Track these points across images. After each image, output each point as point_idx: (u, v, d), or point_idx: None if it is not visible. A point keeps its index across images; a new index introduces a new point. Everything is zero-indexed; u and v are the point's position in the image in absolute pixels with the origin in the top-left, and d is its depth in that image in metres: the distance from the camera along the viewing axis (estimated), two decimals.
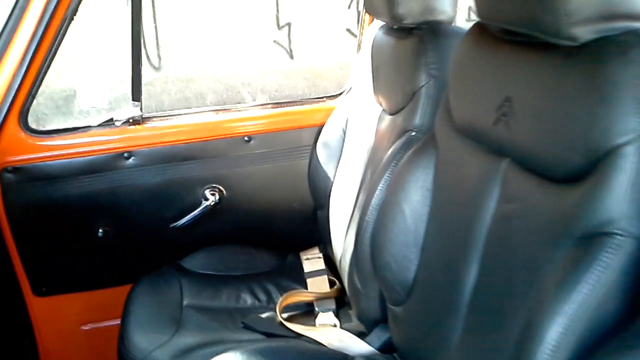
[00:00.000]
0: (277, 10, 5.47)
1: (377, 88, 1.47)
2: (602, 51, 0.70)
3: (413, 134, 1.21)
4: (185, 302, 1.49)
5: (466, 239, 0.94)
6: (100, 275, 1.72)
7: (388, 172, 1.21)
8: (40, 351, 1.72)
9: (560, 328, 0.65)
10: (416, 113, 1.22)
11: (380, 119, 1.44)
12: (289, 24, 5.51)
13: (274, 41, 5.52)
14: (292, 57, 5.61)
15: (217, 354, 1.19)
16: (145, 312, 1.44)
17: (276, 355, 1.19)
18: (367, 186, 1.37)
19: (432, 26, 1.27)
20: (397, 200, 1.14)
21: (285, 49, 5.56)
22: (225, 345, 1.25)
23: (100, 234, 1.66)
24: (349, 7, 5.61)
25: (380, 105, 1.45)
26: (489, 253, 0.89)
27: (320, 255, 1.71)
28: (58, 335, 1.71)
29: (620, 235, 0.64)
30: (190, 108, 5.65)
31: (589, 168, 0.69)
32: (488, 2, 0.89)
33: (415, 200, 1.11)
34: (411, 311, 1.11)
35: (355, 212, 1.43)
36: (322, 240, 1.73)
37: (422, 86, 1.21)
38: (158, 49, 5.26)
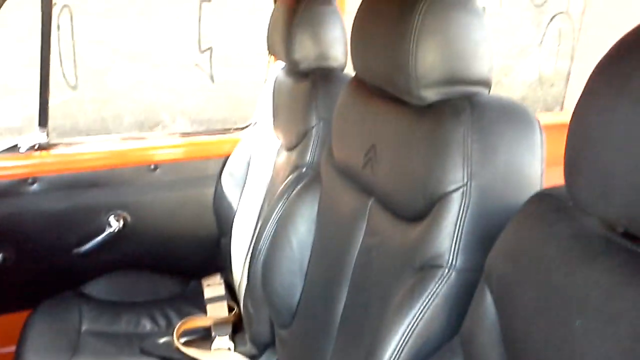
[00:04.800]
0: (199, 34, 5.53)
1: (276, 124, 1.57)
2: (441, 112, 0.83)
3: (304, 170, 1.32)
4: (83, 328, 1.52)
5: (340, 268, 1.05)
6: (3, 300, 1.71)
7: (280, 204, 1.31)
8: None
9: (394, 345, 0.76)
10: (307, 151, 1.33)
11: (278, 153, 1.54)
12: (210, 49, 5.57)
13: (196, 65, 5.57)
14: (213, 81, 5.67)
15: None
16: (41, 337, 1.46)
17: None
18: (263, 216, 1.46)
19: (325, 72, 1.39)
20: (286, 231, 1.24)
21: (206, 72, 5.61)
22: None
23: (0, 260, 1.66)
24: None
25: (279, 140, 1.55)
26: (355, 281, 1.00)
27: (222, 281, 1.77)
28: None
29: (445, 267, 0.77)
30: (106, 129, 5.56)
31: (428, 210, 0.81)
32: (360, 61, 1.01)
33: (302, 231, 1.21)
34: (295, 333, 1.20)
35: (254, 241, 1.52)
36: (224, 267, 1.80)
37: (313, 127, 1.32)
38: (75, 67, 5.17)
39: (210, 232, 1.84)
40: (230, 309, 1.65)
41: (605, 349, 0.51)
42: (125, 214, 1.76)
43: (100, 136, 1.87)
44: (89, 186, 1.73)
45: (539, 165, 0.80)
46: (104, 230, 1.74)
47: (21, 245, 1.68)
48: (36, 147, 1.67)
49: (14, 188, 1.65)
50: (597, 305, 0.52)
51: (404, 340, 0.76)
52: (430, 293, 0.76)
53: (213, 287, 1.74)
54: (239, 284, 1.60)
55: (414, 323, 0.76)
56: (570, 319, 0.54)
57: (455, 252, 0.76)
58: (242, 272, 1.57)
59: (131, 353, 1.43)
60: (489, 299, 0.67)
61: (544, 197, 0.64)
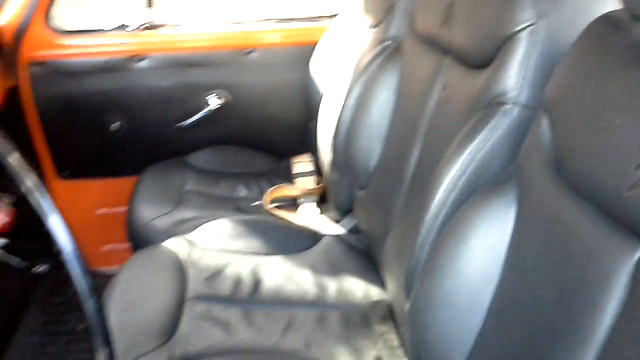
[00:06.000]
0: None
1: (365, 4, 1.62)
2: None
3: (387, 43, 1.37)
4: (186, 188, 1.70)
5: (414, 127, 1.12)
6: (114, 165, 1.94)
7: (363, 76, 1.38)
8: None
9: (453, 172, 0.84)
10: (391, 25, 1.38)
11: (365, 33, 1.59)
12: None
13: None
14: None
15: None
16: (150, 192, 1.66)
17: (255, 225, 1.40)
18: (347, 90, 1.53)
19: None
20: (366, 100, 1.32)
21: None
22: (216, 219, 1.46)
23: (113, 128, 1.87)
24: None
25: (366, 19, 1.60)
26: (428, 133, 1.07)
27: (310, 160, 1.90)
28: (75, 217, 1.94)
29: (510, 103, 0.82)
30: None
31: (495, 53, 0.85)
32: None
33: (382, 99, 1.29)
34: (371, 193, 1.30)
35: (339, 113, 1.61)
36: (312, 149, 1.91)
37: (397, 1, 1.36)
38: None
39: (299, 115, 1.95)
40: (317, 184, 1.78)
41: None
42: (224, 93, 1.91)
43: (202, 19, 1.99)
44: (191, 66, 1.87)
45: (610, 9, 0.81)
46: (204, 108, 1.90)
47: (130, 117, 1.87)
48: (143, 26, 1.82)
49: (124, 64, 1.83)
50: (638, 105, 0.57)
51: (463, 168, 0.83)
52: (492, 126, 0.82)
53: (302, 164, 1.87)
54: (325, 161, 1.71)
55: (475, 152, 0.83)
56: (613, 120, 0.59)
57: (521, 88, 0.81)
58: (329, 150, 1.68)
59: (227, 210, 1.60)
60: (545, 122, 0.72)
61: (603, 19, 0.67)
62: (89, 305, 0.76)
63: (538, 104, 0.77)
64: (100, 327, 0.76)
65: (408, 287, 0.91)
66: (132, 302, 1.13)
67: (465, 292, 0.76)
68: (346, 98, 1.43)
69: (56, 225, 0.74)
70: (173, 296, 1.16)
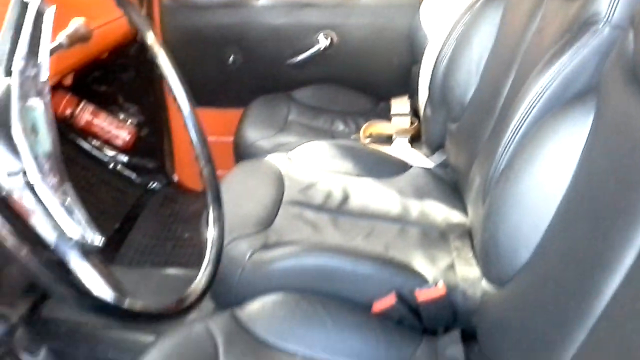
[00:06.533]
0: None
1: None
2: None
3: None
4: (289, 118, 1.84)
5: (511, 57, 1.16)
6: (226, 96, 2.11)
7: (467, 14, 1.43)
8: (175, 149, 2.18)
9: (538, 87, 0.88)
10: None
11: None
12: None
13: None
14: None
15: None
16: (257, 117, 1.81)
17: (349, 150, 1.51)
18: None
19: None
20: (468, 34, 1.37)
21: None
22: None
23: (231, 60, 2.03)
24: None
25: None
26: (522, 62, 1.11)
27: (408, 102, 1.97)
28: (187, 139, 2.13)
29: (601, 22, 0.85)
30: None
31: None
32: None
33: (483, 34, 1.33)
34: (462, 125, 1.36)
35: (440, 48, 1.66)
36: (411, 91, 1.98)
37: None
38: None
39: (403, 59, 2.01)
40: (412, 124, 1.85)
41: None
42: (333, 33, 2.01)
43: None
44: (304, 6, 1.99)
45: None
46: (313, 47, 2.01)
47: (246, 51, 2.02)
48: None
49: (245, 1, 1.97)
50: None
51: (548, 83, 0.88)
52: (581, 45, 0.86)
53: (399, 105, 1.94)
54: (423, 101, 1.77)
55: (561, 68, 0.87)
56: None
57: (613, 8, 0.84)
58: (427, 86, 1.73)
59: (325, 139, 1.71)
60: (630, 36, 0.75)
61: None
62: (206, 170, 0.89)
63: (628, 24, 0.80)
64: (214, 189, 0.90)
65: (485, 194, 0.98)
66: (236, 197, 1.28)
67: (538, 192, 0.82)
68: (449, 35, 1.49)
69: (176, 85, 0.87)
70: (271, 198, 1.29)
